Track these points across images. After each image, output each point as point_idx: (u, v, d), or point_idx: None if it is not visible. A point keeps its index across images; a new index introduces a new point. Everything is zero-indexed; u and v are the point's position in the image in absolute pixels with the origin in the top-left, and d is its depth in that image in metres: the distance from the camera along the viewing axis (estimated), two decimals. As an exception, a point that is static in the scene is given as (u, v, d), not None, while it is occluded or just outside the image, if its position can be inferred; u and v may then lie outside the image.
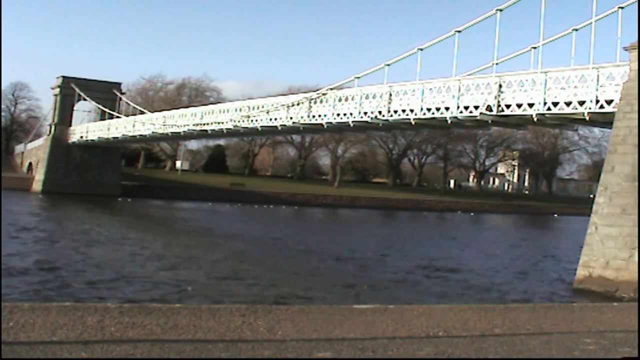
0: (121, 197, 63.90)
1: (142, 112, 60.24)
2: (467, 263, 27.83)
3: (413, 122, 30.65)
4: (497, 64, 27.05)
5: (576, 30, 24.65)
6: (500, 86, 26.20)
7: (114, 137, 61.04)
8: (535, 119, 25.44)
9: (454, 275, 23.63)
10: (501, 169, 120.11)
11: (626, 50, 21.19)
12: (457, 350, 6.88)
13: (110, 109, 66.34)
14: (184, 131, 49.79)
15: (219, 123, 44.75)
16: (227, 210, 57.09)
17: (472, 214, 74.85)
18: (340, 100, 34.33)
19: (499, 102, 26.19)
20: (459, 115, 27.97)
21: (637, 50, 20.51)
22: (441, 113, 28.66)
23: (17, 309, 7.21)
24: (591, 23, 23.69)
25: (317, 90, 37.90)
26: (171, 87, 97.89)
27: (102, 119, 66.34)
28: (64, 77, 70.21)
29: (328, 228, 48.54)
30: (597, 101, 22.63)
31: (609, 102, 22.21)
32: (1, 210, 33.96)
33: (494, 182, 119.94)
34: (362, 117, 32.76)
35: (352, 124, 34.07)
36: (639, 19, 20.19)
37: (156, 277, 19.63)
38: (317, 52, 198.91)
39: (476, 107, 27.00)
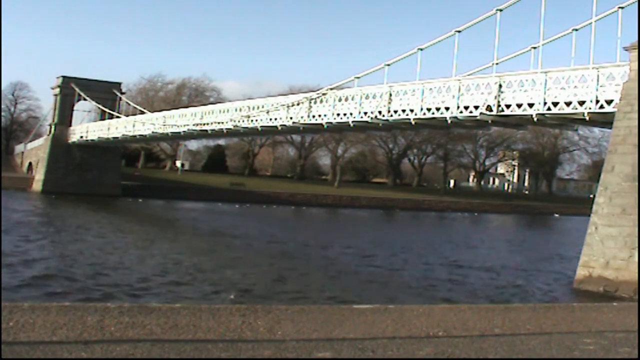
0: (123, 197, 63.90)
1: (142, 112, 60.23)
2: (471, 261, 27.83)
3: (413, 122, 30.64)
4: (497, 64, 27.06)
5: (576, 30, 24.64)
6: (500, 86, 26.19)
7: (114, 137, 61.03)
8: (535, 119, 25.43)
9: (460, 273, 23.66)
10: (501, 169, 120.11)
11: (626, 50, 21.19)
12: (457, 350, 6.88)
13: (110, 109, 66.34)
14: (184, 131, 49.79)
15: (219, 123, 44.74)
16: (234, 211, 56.86)
17: (475, 213, 75.03)
18: (340, 100, 34.32)
19: (499, 102, 26.18)
20: (459, 115, 27.96)
21: (637, 50, 20.50)
22: (441, 113, 28.65)
23: (17, 309, 7.21)
24: (591, 23, 23.69)
25: (317, 90, 37.90)
26: (171, 87, 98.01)
27: (102, 119, 66.32)
28: (64, 77, 70.20)
29: (343, 228, 48.13)
30: (597, 101, 22.62)
31: (609, 102, 22.20)
32: (1, 210, 33.96)
33: (494, 182, 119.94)
34: (362, 117, 32.75)
35: (352, 124, 34.06)
36: (639, 19, 20.20)
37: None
38: (317, 52, 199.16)
39: (476, 107, 26.99)
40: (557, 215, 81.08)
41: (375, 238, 38.06)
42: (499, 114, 26.34)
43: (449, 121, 28.91)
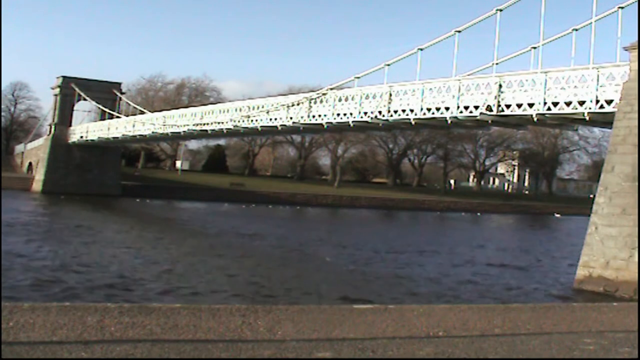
0: (123, 197, 63.89)
1: (142, 112, 60.25)
2: (476, 260, 27.88)
3: (413, 122, 30.64)
4: (497, 64, 27.03)
5: (576, 30, 24.62)
6: (500, 86, 26.19)
7: (114, 137, 61.04)
8: (535, 119, 25.42)
9: (469, 272, 23.70)
10: (501, 169, 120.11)
11: (626, 50, 21.18)
12: (457, 350, 6.88)
13: (110, 109, 66.35)
14: (184, 131, 49.80)
15: (219, 123, 44.75)
16: (240, 212, 56.67)
17: (479, 214, 75.15)
18: (340, 100, 34.32)
19: (499, 102, 26.18)
20: (459, 115, 27.96)
21: (637, 50, 20.49)
22: (441, 113, 28.65)
23: (17, 309, 7.21)
24: (591, 23, 23.68)
25: (318, 90, 37.90)
26: (171, 87, 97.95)
27: (102, 119, 66.34)
28: (64, 77, 70.20)
29: (360, 230, 47.81)
30: (597, 101, 22.62)
31: (609, 102, 22.20)
32: (1, 210, 33.94)
33: (494, 182, 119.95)
34: (362, 117, 32.75)
35: (352, 124, 34.06)
36: (639, 19, 20.20)
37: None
38: (318, 52, 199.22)
39: (476, 107, 26.99)
40: (558, 215, 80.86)
41: (395, 238, 38.58)
42: (499, 114, 26.34)
43: (449, 121, 28.91)
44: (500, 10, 26.96)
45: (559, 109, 24.13)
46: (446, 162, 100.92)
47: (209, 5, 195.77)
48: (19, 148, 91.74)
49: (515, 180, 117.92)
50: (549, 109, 24.45)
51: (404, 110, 30.47)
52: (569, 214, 79.42)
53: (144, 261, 23.22)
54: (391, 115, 31.22)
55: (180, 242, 31.04)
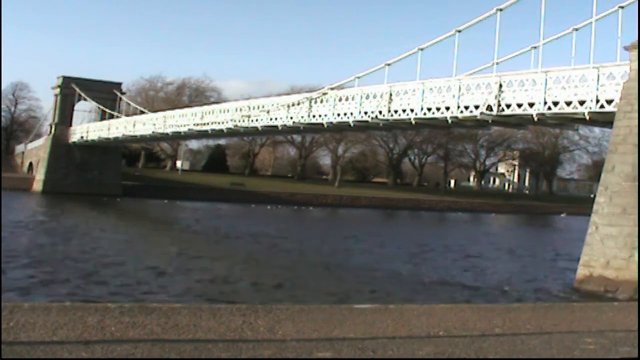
0: (124, 196, 63.89)
1: (142, 112, 60.27)
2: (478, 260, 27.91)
3: (413, 122, 30.64)
4: (497, 63, 27.02)
5: (576, 30, 24.63)
6: (501, 86, 26.18)
7: (114, 137, 61.06)
8: (535, 119, 25.42)
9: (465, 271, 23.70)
10: (501, 169, 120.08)
11: (626, 49, 21.16)
12: (457, 350, 6.89)
13: (110, 109, 66.39)
14: (184, 131, 49.79)
15: (219, 123, 44.74)
16: (246, 212, 56.54)
17: (492, 214, 75.20)
18: (340, 100, 34.31)
19: (499, 101, 26.17)
20: (460, 115, 27.95)
21: (637, 49, 20.48)
22: (441, 113, 28.65)
23: (17, 309, 7.22)
24: (591, 23, 23.68)
25: (318, 90, 37.88)
26: (171, 87, 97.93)
27: (103, 118, 66.38)
28: (64, 77, 70.26)
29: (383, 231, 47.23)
30: (598, 101, 22.60)
31: (609, 102, 22.19)
32: (1, 210, 33.94)
33: (494, 182, 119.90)
34: (362, 117, 32.74)
35: (352, 124, 34.05)
36: (639, 18, 20.20)
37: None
38: (319, 52, 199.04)
39: (476, 107, 26.98)
40: (563, 214, 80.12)
41: (440, 238, 39.22)
42: (499, 113, 26.33)
43: (450, 121, 28.90)
44: (501, 10, 26.94)
45: (560, 109, 24.12)
46: (446, 162, 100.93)
47: (210, 5, 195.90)
48: (19, 148, 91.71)
49: (515, 180, 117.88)
50: (549, 108, 24.44)
51: (404, 110, 30.47)
52: (570, 214, 79.27)
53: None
54: (391, 115, 31.22)
55: (232, 248, 30.86)
